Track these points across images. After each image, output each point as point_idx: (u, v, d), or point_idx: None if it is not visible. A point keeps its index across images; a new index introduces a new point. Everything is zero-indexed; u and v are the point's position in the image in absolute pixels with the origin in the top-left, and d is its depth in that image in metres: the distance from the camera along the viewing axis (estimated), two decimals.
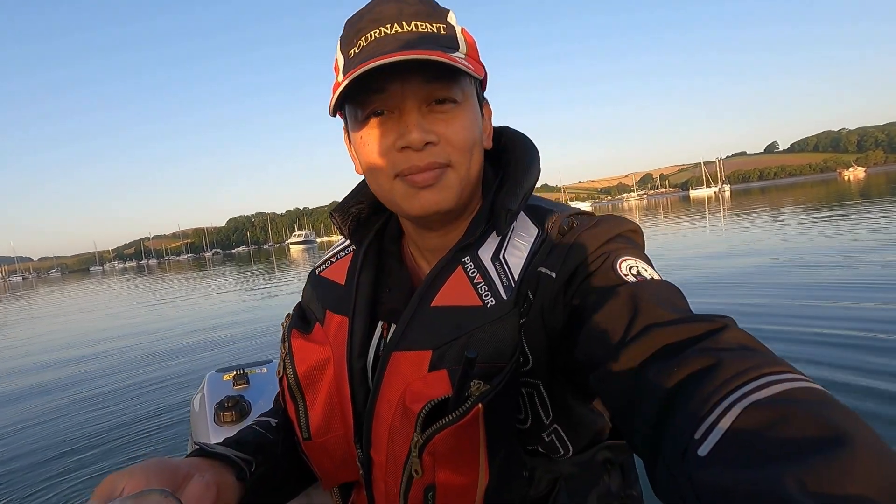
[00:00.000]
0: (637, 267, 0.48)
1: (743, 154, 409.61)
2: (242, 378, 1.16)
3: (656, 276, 0.48)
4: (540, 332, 0.50)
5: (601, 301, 0.44)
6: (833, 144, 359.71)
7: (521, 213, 0.57)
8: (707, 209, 26.79)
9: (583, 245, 0.50)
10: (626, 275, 0.46)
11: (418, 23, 0.51)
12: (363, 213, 0.65)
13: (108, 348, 6.21)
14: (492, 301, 0.52)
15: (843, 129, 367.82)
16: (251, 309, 8.73)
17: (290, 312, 0.67)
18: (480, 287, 0.52)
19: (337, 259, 0.67)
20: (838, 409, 0.27)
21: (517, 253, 0.53)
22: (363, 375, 0.58)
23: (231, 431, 1.06)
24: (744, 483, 0.25)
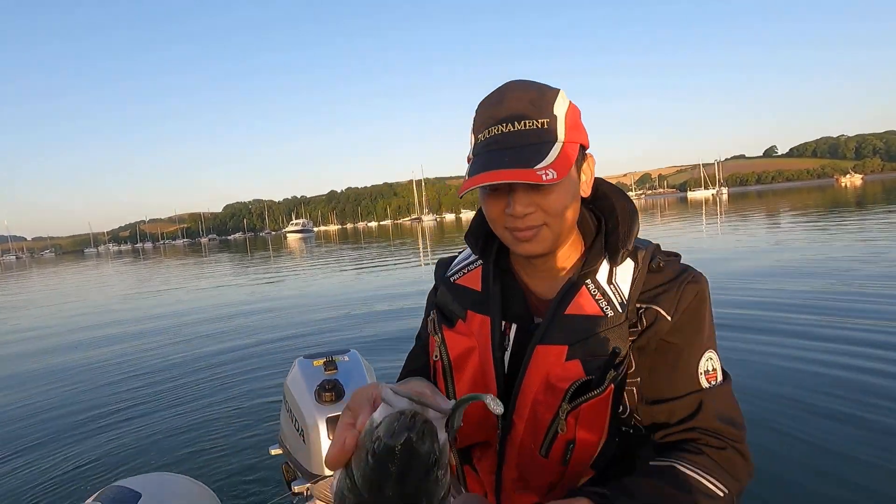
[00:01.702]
0: (711, 361, 0.72)
1: (741, 157, 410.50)
2: (332, 365, 1.35)
3: (718, 371, 0.73)
4: (643, 350, 0.72)
5: (685, 381, 0.71)
6: (831, 150, 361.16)
7: None
8: (704, 211, 27.08)
9: (689, 299, 0.71)
10: (703, 373, 0.72)
11: (527, 121, 0.69)
12: (488, 228, 0.84)
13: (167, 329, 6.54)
14: (610, 312, 0.71)
15: (842, 135, 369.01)
16: (294, 296, 8.92)
17: (433, 313, 0.85)
18: (601, 302, 0.72)
19: (468, 270, 0.86)
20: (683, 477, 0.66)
21: (624, 278, 0.73)
22: (501, 361, 0.77)
23: (330, 410, 1.27)
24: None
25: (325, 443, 1.22)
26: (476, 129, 0.73)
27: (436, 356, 0.81)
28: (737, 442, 0.70)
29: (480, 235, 0.84)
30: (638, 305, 0.72)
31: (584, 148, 0.75)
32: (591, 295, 0.73)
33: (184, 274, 17.52)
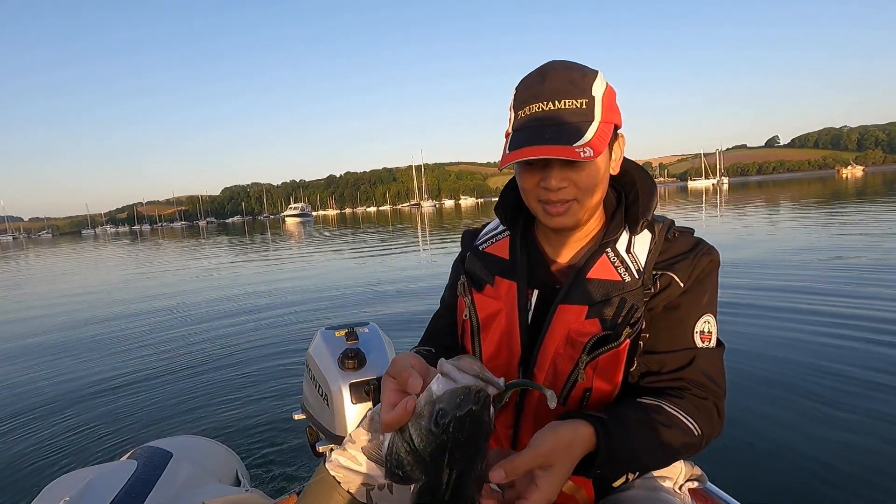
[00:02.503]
0: (708, 325, 0.79)
1: (743, 147, 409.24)
2: (353, 335, 1.41)
3: (713, 334, 0.79)
4: (653, 311, 0.79)
5: (682, 337, 0.78)
6: (833, 141, 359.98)
7: None
8: (704, 201, 27.10)
9: (702, 268, 0.78)
10: (698, 332, 0.78)
11: (566, 100, 0.73)
12: (514, 201, 0.89)
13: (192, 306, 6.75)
14: (627, 278, 0.78)
15: (845, 126, 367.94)
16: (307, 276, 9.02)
17: (463, 277, 0.91)
18: (619, 269, 0.79)
19: (496, 240, 0.92)
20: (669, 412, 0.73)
21: (641, 248, 0.80)
22: (526, 322, 0.83)
23: (354, 376, 1.33)
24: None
25: (348, 406, 1.28)
26: (517, 106, 0.77)
27: (465, 316, 0.87)
28: (716, 398, 0.77)
29: (509, 207, 0.90)
30: (654, 272, 0.78)
31: (616, 128, 0.80)
32: (611, 262, 0.79)
33: (189, 255, 17.58)
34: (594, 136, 0.72)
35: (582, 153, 0.70)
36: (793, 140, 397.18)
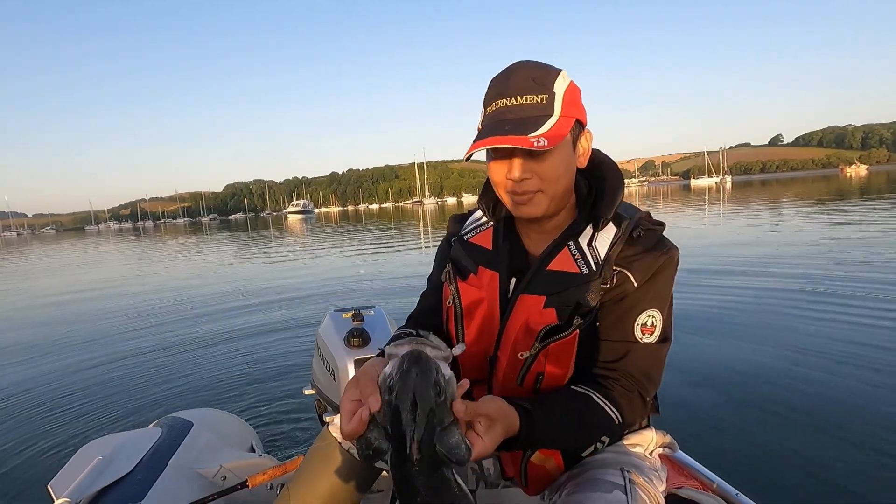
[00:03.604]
0: (652, 319, 0.82)
1: (747, 145, 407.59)
2: (359, 317, 1.52)
3: (657, 329, 0.82)
4: (606, 303, 0.83)
5: (622, 329, 0.81)
6: (837, 140, 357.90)
7: None
8: (707, 199, 27.09)
9: (658, 266, 0.81)
10: (639, 324, 0.81)
11: (528, 96, 0.78)
12: (496, 195, 0.92)
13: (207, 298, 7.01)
14: (586, 270, 0.81)
15: (849, 125, 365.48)
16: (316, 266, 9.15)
17: (448, 265, 0.97)
18: (579, 261, 0.83)
19: (480, 230, 0.97)
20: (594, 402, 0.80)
21: (603, 242, 0.83)
22: (507, 311, 0.87)
23: (358, 353, 1.44)
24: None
25: None
26: (485, 102, 0.83)
27: (450, 302, 0.94)
28: (643, 390, 0.82)
29: (491, 199, 0.95)
30: (614, 268, 0.81)
31: (581, 124, 0.84)
32: (571, 254, 0.84)
33: (196, 251, 17.80)
34: (552, 128, 0.77)
35: (536, 142, 0.74)
36: (797, 139, 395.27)
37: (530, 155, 0.79)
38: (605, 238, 0.83)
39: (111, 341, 4.80)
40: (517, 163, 0.80)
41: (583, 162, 0.86)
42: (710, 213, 16.78)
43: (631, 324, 0.81)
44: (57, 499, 1.05)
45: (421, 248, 12.38)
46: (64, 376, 3.80)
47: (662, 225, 0.87)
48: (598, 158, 0.91)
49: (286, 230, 29.28)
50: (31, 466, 2.42)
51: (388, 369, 0.60)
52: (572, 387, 0.81)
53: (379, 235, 17.81)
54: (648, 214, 0.88)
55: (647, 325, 0.82)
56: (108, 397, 3.27)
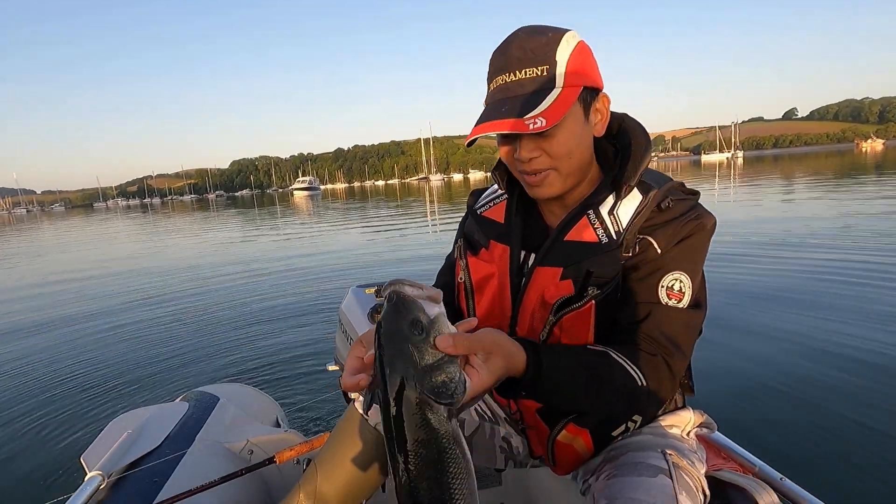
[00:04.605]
0: (678, 282, 0.75)
1: (760, 119, 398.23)
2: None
3: (686, 295, 0.76)
4: (628, 271, 0.77)
5: (644, 290, 0.76)
6: (854, 114, 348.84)
7: None
8: (717, 175, 26.67)
9: (686, 231, 0.75)
10: (663, 286, 0.75)
11: (527, 69, 0.73)
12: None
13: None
14: (605, 239, 0.77)
15: (867, 98, 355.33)
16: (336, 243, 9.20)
17: (460, 240, 0.93)
18: (598, 230, 0.77)
19: (494, 204, 0.93)
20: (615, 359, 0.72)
21: (626, 211, 0.77)
22: (518, 286, 0.84)
23: None
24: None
25: None
26: (488, 78, 0.78)
27: (460, 278, 0.91)
28: (669, 356, 0.74)
29: (505, 171, 0.89)
30: (637, 236, 0.76)
31: (592, 89, 0.77)
32: (591, 223, 0.79)
33: (207, 227, 18.03)
34: (552, 104, 0.71)
35: (531, 125, 0.70)
36: (811, 112, 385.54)
37: (536, 133, 0.73)
38: (629, 206, 0.77)
39: (132, 318, 4.88)
40: (523, 143, 0.75)
41: (600, 130, 0.80)
42: (721, 188, 16.52)
43: (654, 285, 0.75)
44: (89, 471, 1.06)
45: (428, 225, 12.35)
46: (91, 351, 3.90)
47: (697, 194, 0.81)
48: (626, 122, 0.85)
49: (293, 207, 29.30)
50: (63, 439, 2.50)
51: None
52: (587, 346, 0.76)
53: (388, 213, 17.78)
54: (682, 184, 0.82)
55: (674, 289, 0.75)
56: (133, 372, 3.36)
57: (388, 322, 0.54)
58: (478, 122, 0.76)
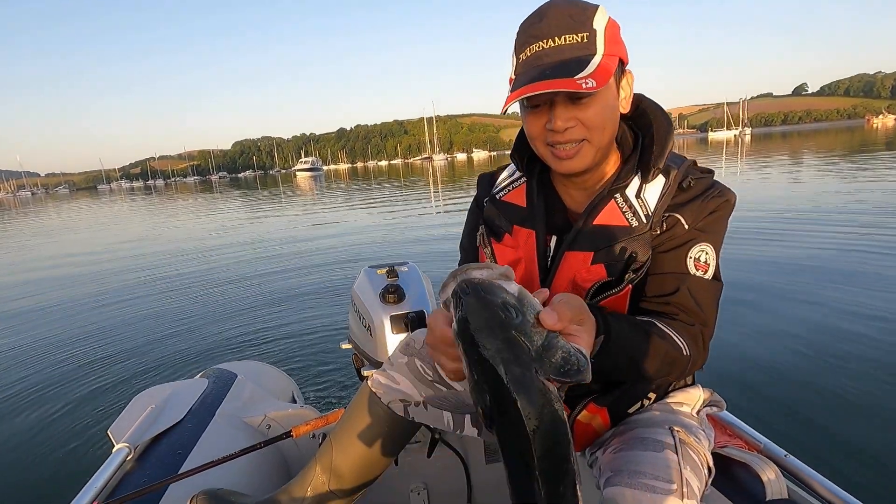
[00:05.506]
0: (704, 254, 0.77)
1: (769, 95, 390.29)
2: (393, 273, 1.53)
3: (710, 266, 0.78)
4: (657, 247, 0.78)
5: (675, 262, 0.77)
6: (866, 89, 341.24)
7: None
8: (724, 153, 26.32)
9: (712, 207, 0.77)
10: (691, 257, 0.77)
11: (567, 35, 0.71)
12: (530, 151, 0.87)
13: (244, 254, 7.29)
14: (635, 223, 0.77)
15: (879, 72, 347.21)
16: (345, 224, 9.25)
17: (482, 228, 0.93)
18: (627, 214, 0.78)
19: (513, 188, 0.92)
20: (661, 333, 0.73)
21: (652, 194, 0.79)
22: (545, 269, 0.85)
23: (393, 309, 1.46)
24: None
25: (389, 336, 1.41)
26: (517, 49, 0.75)
27: None
28: (703, 326, 0.77)
29: (525, 153, 0.89)
30: (665, 214, 0.78)
31: (623, 63, 0.77)
32: (619, 207, 0.79)
33: (212, 208, 18.14)
34: (597, 68, 0.70)
35: (584, 84, 0.68)
36: (822, 88, 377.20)
37: (572, 102, 0.73)
38: (655, 189, 0.79)
39: (149, 299, 4.99)
40: (559, 111, 0.73)
41: (626, 106, 0.80)
42: (728, 166, 16.33)
43: (683, 257, 0.77)
44: (117, 443, 1.10)
45: (432, 206, 12.34)
46: (112, 330, 4.04)
47: (711, 172, 0.82)
48: (643, 103, 0.85)
49: (297, 189, 29.20)
50: (89, 414, 2.63)
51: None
52: (633, 317, 0.76)
53: (391, 193, 17.73)
54: (695, 162, 0.83)
55: (701, 260, 0.77)
56: (154, 349, 3.47)
57: (476, 315, 0.48)
58: (514, 87, 0.73)
